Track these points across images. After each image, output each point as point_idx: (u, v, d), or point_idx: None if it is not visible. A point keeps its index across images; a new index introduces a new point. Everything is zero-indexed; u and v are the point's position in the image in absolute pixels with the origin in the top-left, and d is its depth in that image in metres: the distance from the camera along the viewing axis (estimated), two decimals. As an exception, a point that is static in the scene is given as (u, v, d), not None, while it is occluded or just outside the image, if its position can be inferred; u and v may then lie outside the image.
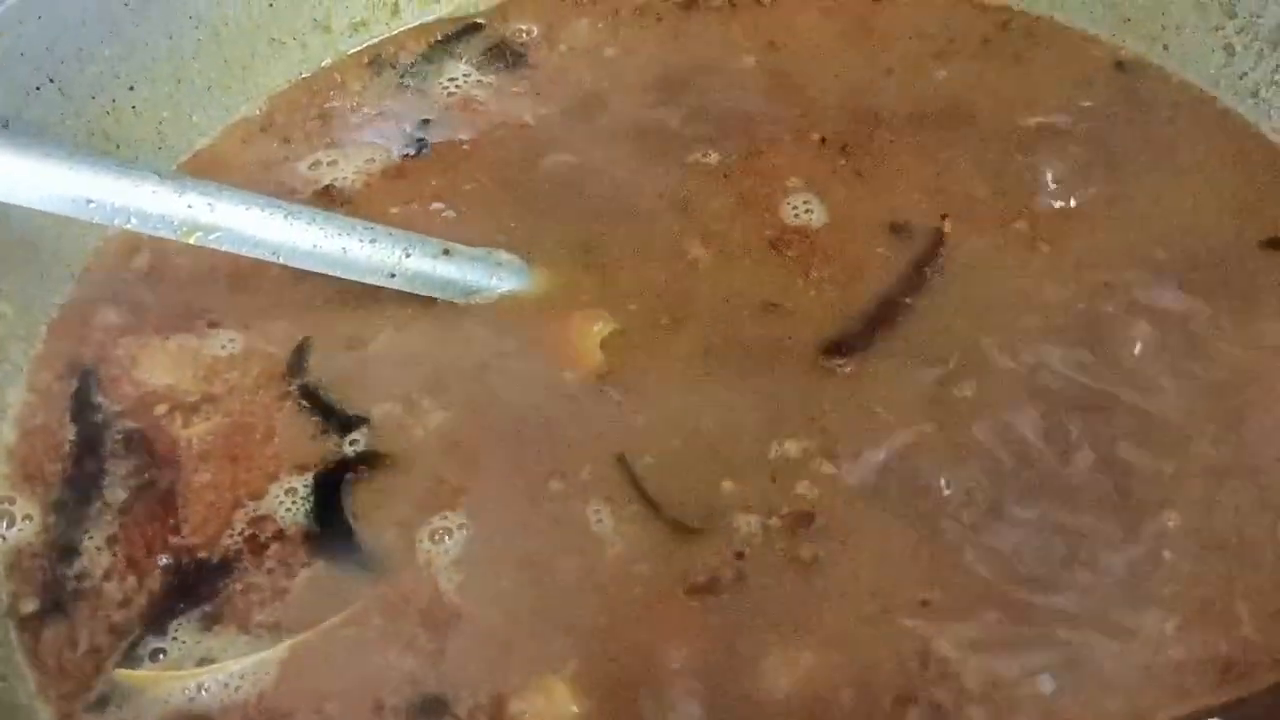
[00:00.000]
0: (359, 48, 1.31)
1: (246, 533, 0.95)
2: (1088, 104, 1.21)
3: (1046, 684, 0.84)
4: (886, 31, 1.30)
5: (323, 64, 1.29)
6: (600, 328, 1.05)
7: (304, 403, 1.02)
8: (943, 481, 0.93)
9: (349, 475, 0.98)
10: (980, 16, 1.30)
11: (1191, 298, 1.04)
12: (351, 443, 1.00)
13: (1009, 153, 1.17)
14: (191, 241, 0.99)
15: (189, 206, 0.98)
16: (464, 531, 0.93)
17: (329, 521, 0.95)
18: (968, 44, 1.28)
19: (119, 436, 1.01)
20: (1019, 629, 0.86)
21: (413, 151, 1.20)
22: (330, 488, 0.97)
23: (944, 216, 1.10)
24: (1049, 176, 1.14)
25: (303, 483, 0.97)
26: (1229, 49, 1.20)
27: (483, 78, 1.27)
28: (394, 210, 1.13)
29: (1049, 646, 0.85)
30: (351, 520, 0.95)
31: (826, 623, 0.87)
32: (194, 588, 0.92)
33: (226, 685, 0.86)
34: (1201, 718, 0.79)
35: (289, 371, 1.04)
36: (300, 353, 1.05)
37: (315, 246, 1.02)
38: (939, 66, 1.26)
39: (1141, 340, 1.01)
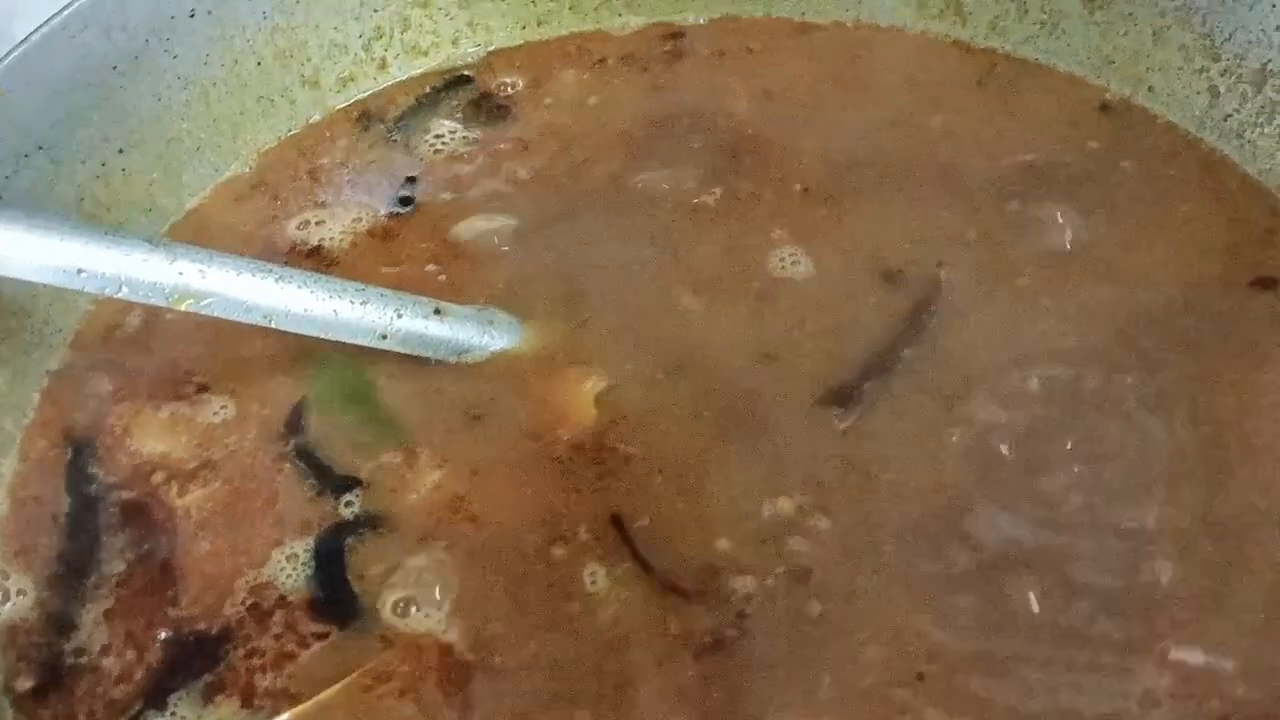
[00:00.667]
0: (348, 103, 1.31)
1: (248, 601, 0.94)
2: (1074, 147, 1.22)
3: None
4: (872, 77, 1.30)
5: (311, 120, 1.29)
6: (593, 384, 1.05)
7: (300, 464, 1.02)
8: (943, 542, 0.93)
9: (349, 539, 0.97)
10: (966, 60, 1.31)
11: (1182, 343, 1.04)
12: (347, 504, 0.99)
13: (998, 198, 1.17)
14: (183, 309, 0.99)
15: (180, 274, 0.98)
16: (454, 596, 0.93)
17: (331, 585, 0.95)
18: (954, 88, 1.28)
19: (115, 507, 1.00)
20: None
21: (400, 210, 1.20)
22: (332, 552, 0.97)
23: (939, 265, 1.10)
24: (1038, 221, 1.14)
25: (304, 546, 0.97)
26: (1213, 90, 1.20)
27: (468, 132, 1.27)
28: (385, 270, 1.13)
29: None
30: (354, 583, 0.95)
31: (826, 687, 0.87)
32: (194, 660, 0.91)
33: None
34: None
35: (287, 432, 1.04)
36: (298, 412, 1.05)
37: (307, 310, 1.02)
38: (925, 112, 1.26)
39: (1134, 389, 1.01)
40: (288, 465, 1.02)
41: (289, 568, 0.96)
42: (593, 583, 0.93)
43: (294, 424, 1.05)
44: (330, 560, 0.97)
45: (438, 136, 1.27)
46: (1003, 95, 1.27)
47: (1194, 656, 0.87)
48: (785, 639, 0.89)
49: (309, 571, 0.96)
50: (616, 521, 0.96)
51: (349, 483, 1.01)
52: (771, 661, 0.89)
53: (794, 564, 0.93)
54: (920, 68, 1.30)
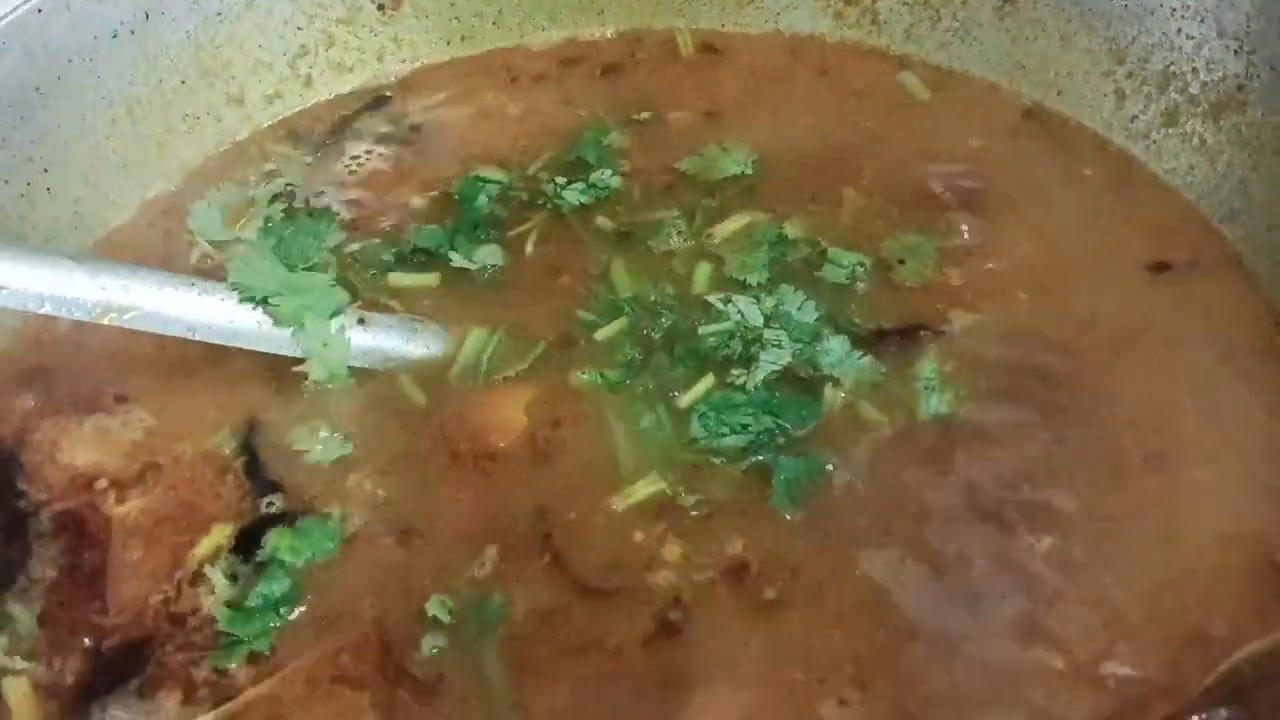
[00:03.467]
0: (273, 120, 1.32)
1: (176, 600, 0.95)
2: (996, 151, 1.25)
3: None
4: (794, 86, 1.33)
5: (237, 138, 1.31)
6: (523, 391, 1.07)
7: (239, 471, 1.03)
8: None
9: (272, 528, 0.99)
10: (884, 64, 1.34)
11: (1090, 329, 1.08)
12: (269, 504, 1.01)
13: (919, 199, 1.20)
14: (106, 323, 1.00)
15: (103, 289, 0.99)
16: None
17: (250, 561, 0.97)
18: (881, 96, 1.32)
19: (48, 519, 1.01)
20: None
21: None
22: (252, 537, 0.99)
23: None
24: (959, 223, 1.17)
25: (226, 536, 0.99)
26: (1120, 93, 1.24)
27: (384, 150, 1.29)
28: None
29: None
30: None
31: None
32: (124, 663, 0.92)
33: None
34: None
35: (236, 443, 1.05)
36: (251, 427, 1.07)
37: (230, 322, 1.03)
38: (849, 120, 1.29)
39: (1042, 380, 1.04)
40: (211, 472, 1.03)
41: (219, 565, 0.97)
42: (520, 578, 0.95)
43: (246, 433, 1.06)
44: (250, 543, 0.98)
45: (354, 157, 1.29)
46: (928, 100, 1.31)
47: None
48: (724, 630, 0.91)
49: (234, 559, 0.97)
50: (543, 519, 0.98)
51: (274, 486, 1.02)
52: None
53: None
54: (841, 76, 1.33)
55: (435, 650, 0.91)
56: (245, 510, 1.01)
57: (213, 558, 0.98)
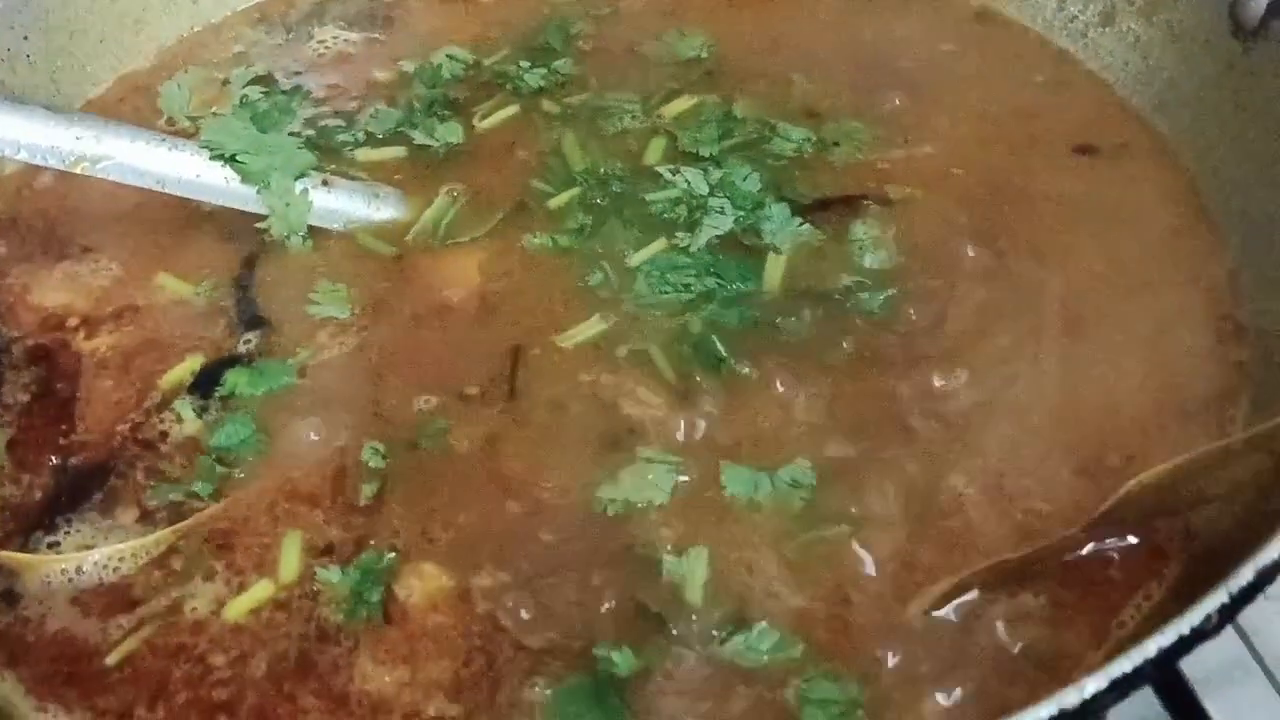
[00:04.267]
0: (248, 5, 1.37)
1: (143, 426, 1.00)
2: (944, 48, 1.31)
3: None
4: None
5: (212, 20, 1.35)
6: (478, 253, 1.12)
7: (231, 303, 1.09)
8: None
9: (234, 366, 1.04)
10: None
11: (1020, 203, 1.14)
12: (245, 341, 1.06)
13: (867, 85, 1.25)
14: (79, 171, 1.05)
15: (77, 138, 1.05)
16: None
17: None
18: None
19: (19, 352, 1.06)
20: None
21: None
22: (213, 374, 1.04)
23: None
24: (897, 100, 1.23)
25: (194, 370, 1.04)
26: (1062, -7, 1.29)
27: (353, 36, 1.34)
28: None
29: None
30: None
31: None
32: (89, 482, 0.97)
33: (105, 566, 0.91)
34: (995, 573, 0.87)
35: (237, 279, 1.11)
36: (250, 262, 1.12)
37: (198, 176, 1.09)
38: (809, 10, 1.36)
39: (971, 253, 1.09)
40: (185, 310, 1.09)
41: (186, 400, 1.02)
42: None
43: (247, 269, 1.11)
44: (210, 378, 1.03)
45: (320, 41, 1.34)
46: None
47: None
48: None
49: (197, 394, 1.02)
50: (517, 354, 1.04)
51: (257, 321, 1.08)
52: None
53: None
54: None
55: (372, 489, 0.96)
56: (223, 347, 1.06)
57: (180, 391, 1.03)
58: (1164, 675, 0.92)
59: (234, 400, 1.01)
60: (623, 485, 0.93)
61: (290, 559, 0.92)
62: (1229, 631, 0.96)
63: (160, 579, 0.91)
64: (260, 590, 0.90)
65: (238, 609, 0.89)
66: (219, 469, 0.97)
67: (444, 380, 1.02)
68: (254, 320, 1.07)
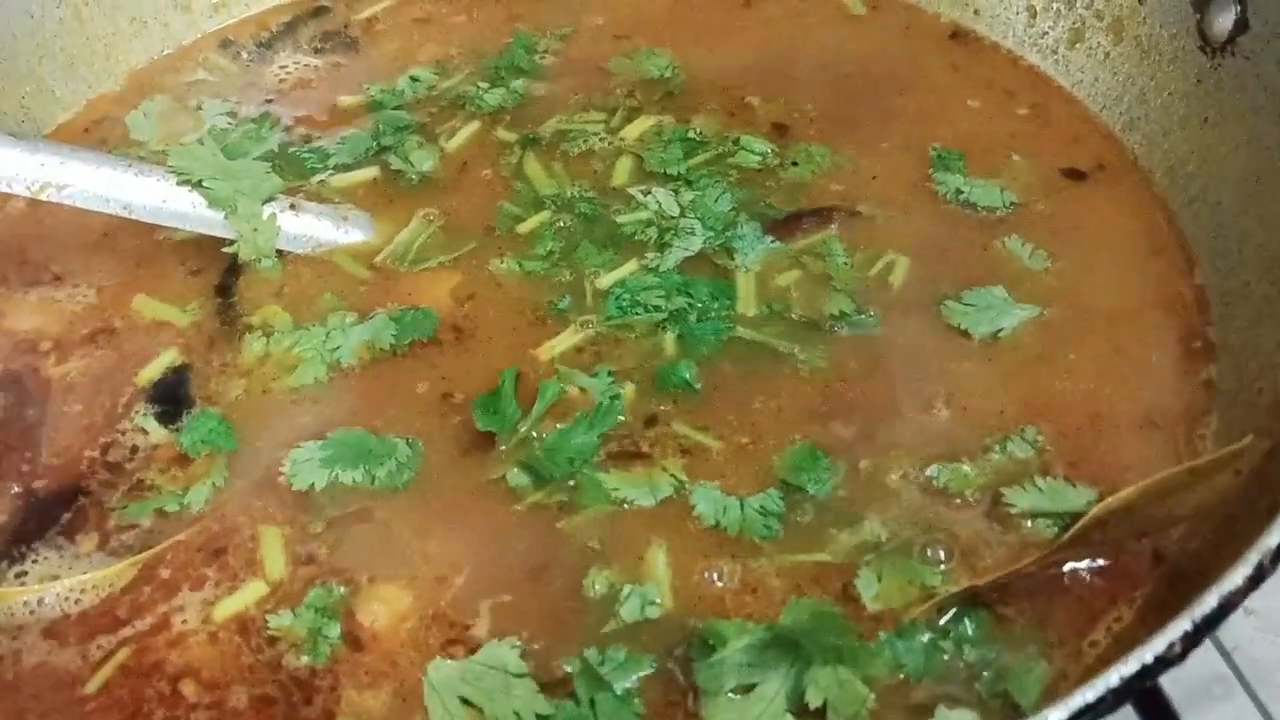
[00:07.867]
0: (218, 27, 1.37)
1: (110, 448, 1.00)
2: (920, 67, 1.31)
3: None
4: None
5: (183, 43, 1.35)
6: (449, 277, 1.12)
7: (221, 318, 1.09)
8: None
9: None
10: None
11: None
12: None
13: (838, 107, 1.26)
14: (44, 198, 1.05)
15: (42, 165, 1.04)
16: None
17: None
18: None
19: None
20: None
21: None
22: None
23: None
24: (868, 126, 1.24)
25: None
26: (1031, 10, 1.29)
27: (316, 61, 1.34)
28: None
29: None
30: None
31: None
32: (54, 509, 0.96)
33: (67, 599, 0.90)
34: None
35: (218, 289, 1.11)
36: (232, 271, 1.12)
37: (164, 202, 1.08)
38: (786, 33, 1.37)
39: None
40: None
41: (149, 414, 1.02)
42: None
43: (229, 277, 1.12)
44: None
45: (282, 67, 1.34)
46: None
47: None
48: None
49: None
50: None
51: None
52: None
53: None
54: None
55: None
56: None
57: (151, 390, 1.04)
58: (1140, 694, 0.92)
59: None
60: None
61: (274, 556, 0.92)
62: (1209, 647, 0.97)
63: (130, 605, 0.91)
64: (252, 591, 0.91)
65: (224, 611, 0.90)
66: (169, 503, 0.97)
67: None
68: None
